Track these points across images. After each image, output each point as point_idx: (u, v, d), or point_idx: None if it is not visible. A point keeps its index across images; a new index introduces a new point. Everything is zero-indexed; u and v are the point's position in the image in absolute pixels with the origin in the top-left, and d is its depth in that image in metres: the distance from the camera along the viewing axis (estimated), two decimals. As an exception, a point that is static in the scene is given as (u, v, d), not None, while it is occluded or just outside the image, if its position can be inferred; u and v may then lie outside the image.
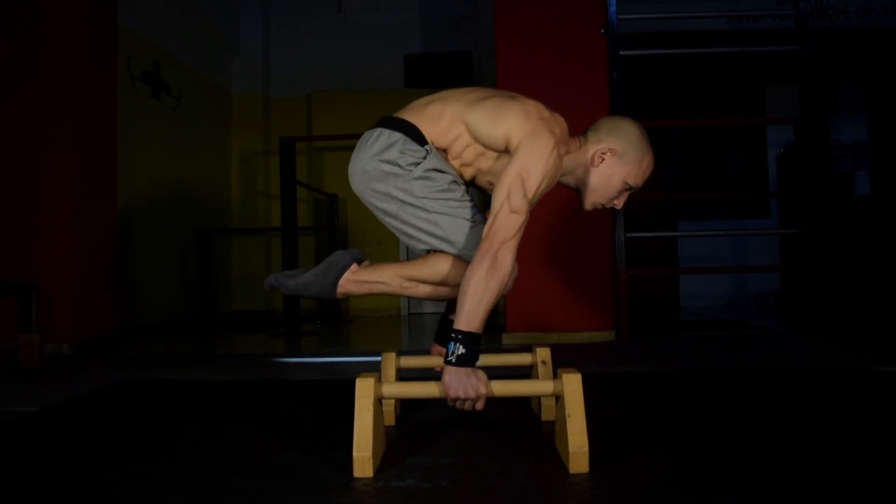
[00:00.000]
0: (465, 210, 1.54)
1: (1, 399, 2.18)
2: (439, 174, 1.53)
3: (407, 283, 1.59)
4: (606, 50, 3.42)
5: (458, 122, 1.54)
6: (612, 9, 3.41)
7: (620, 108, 3.40)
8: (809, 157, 3.72)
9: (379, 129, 1.57)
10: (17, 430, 1.72)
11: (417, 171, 1.51)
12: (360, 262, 1.63)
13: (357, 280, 1.60)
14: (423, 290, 1.60)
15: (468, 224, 1.53)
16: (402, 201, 1.53)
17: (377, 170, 1.53)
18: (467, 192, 1.60)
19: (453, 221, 1.53)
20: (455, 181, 1.56)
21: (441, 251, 1.56)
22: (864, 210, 5.39)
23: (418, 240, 1.57)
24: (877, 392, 1.99)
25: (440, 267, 1.55)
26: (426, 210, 1.53)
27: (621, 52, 3.42)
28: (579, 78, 3.39)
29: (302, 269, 1.65)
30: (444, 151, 1.57)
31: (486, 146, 1.54)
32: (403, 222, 1.56)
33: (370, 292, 1.62)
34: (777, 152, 6.47)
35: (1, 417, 1.86)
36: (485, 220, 1.52)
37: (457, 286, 1.52)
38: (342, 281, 1.59)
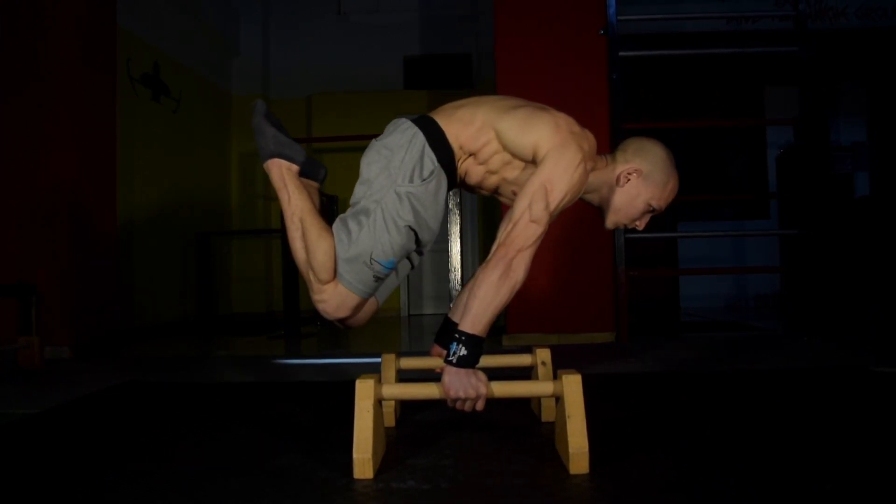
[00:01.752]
0: (382, 253, 1.48)
1: (1, 401, 2.18)
2: (411, 209, 1.47)
3: (296, 220, 1.53)
4: (606, 51, 3.42)
5: (489, 128, 1.52)
6: (612, 10, 3.42)
7: (620, 109, 3.40)
8: (809, 158, 3.72)
9: (408, 123, 1.54)
10: (18, 432, 1.72)
11: (403, 187, 1.47)
12: (306, 175, 1.58)
13: (283, 176, 1.55)
14: (296, 238, 1.53)
15: (367, 265, 1.48)
16: (370, 191, 1.50)
17: (386, 158, 1.50)
18: (410, 257, 1.54)
19: (364, 248, 1.47)
20: (413, 229, 1.49)
21: (335, 244, 1.51)
22: (863, 211, 5.39)
23: (340, 224, 1.52)
24: (877, 392, 1.99)
25: (323, 245, 1.49)
26: (367, 215, 1.48)
27: (621, 53, 3.42)
28: (579, 78, 3.39)
29: (279, 125, 1.58)
30: (471, 156, 1.55)
31: (514, 155, 1.52)
32: (352, 205, 1.53)
33: (277, 191, 1.56)
34: (777, 153, 6.48)
35: (1, 419, 1.86)
36: (384, 278, 1.51)
37: (309, 268, 1.51)
38: (276, 162, 1.55)
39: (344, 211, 1.56)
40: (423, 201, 1.48)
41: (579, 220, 3.25)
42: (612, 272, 3.38)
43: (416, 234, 1.50)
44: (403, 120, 1.56)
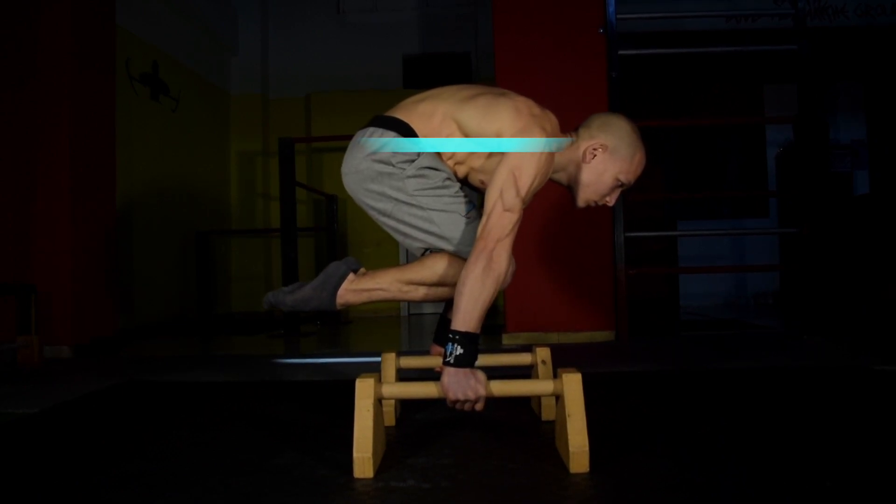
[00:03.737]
0: (460, 206, 1.54)
1: (0, 400, 2.17)
2: (433, 171, 1.52)
3: (406, 287, 1.58)
4: (605, 49, 3.42)
5: (450, 119, 1.53)
6: (611, 8, 3.41)
7: (619, 107, 3.39)
8: (808, 156, 3.72)
9: (371, 128, 1.56)
10: (17, 432, 1.72)
11: (410, 170, 1.51)
12: (356, 271, 1.62)
13: (355, 289, 1.59)
14: (423, 292, 1.59)
15: (464, 220, 1.53)
16: (397, 200, 1.52)
17: (370, 169, 1.53)
18: (462, 189, 1.59)
19: (448, 217, 1.52)
20: (449, 178, 1.55)
21: (438, 250, 1.56)
22: (862, 209, 5.39)
23: (414, 238, 1.56)
24: (876, 391, 1.99)
25: (438, 267, 1.55)
26: (421, 207, 1.52)
27: (620, 52, 3.42)
28: (578, 77, 3.39)
29: (299, 283, 1.63)
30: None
31: None
32: (399, 221, 1.55)
33: (370, 300, 1.60)
34: (776, 152, 6.48)
35: (0, 419, 1.86)
36: (480, 216, 1.51)
37: (461, 285, 1.52)
38: (340, 292, 1.59)
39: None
40: (434, 165, 1.53)
41: (578, 218, 3.25)
42: (612, 271, 3.38)
43: (450, 178, 1.55)
44: (360, 132, 1.59)
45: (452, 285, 1.53)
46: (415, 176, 1.51)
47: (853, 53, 5.85)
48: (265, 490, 1.19)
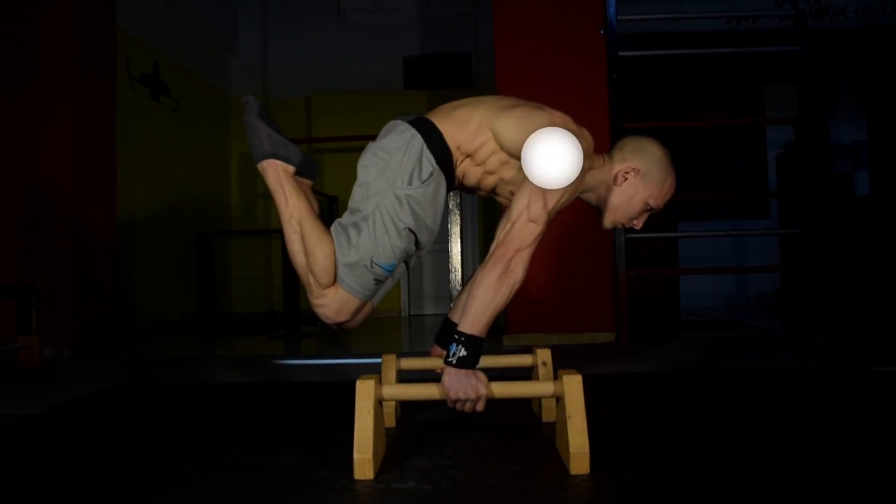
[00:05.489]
0: (384, 256, 1.47)
1: (1, 401, 2.18)
2: (410, 211, 1.46)
3: (294, 223, 1.50)
4: (605, 50, 3.42)
5: (486, 128, 1.51)
6: (612, 9, 3.41)
7: (620, 108, 3.40)
8: (809, 157, 3.72)
9: (405, 125, 1.52)
10: (18, 433, 1.72)
11: (402, 190, 1.45)
12: (301, 174, 1.55)
13: (280, 177, 1.52)
14: (294, 241, 1.50)
15: (367, 266, 1.46)
16: (368, 194, 1.48)
17: (384, 160, 1.48)
18: (407, 259, 1.53)
19: (365, 252, 1.46)
20: (413, 231, 1.47)
21: (336, 247, 1.49)
22: (863, 210, 5.39)
23: (339, 228, 1.50)
24: (876, 392, 1.99)
25: (323, 248, 1.48)
26: (366, 219, 1.47)
27: (620, 53, 3.42)
28: (579, 78, 3.39)
29: (273, 123, 1.55)
30: (469, 157, 1.54)
31: (511, 154, 1.51)
32: (353, 202, 1.50)
33: (273, 193, 1.53)
34: (776, 152, 6.48)
35: (1, 419, 1.86)
36: (383, 281, 1.50)
37: (308, 272, 1.48)
38: (272, 162, 1.52)
39: (346, 209, 1.54)
40: (423, 204, 1.47)
41: (579, 220, 3.25)
42: (613, 272, 3.38)
43: (415, 236, 1.49)
44: (400, 122, 1.55)
45: (311, 269, 1.48)
46: (398, 197, 1.45)
47: (854, 54, 5.85)
48: (265, 490, 1.20)
